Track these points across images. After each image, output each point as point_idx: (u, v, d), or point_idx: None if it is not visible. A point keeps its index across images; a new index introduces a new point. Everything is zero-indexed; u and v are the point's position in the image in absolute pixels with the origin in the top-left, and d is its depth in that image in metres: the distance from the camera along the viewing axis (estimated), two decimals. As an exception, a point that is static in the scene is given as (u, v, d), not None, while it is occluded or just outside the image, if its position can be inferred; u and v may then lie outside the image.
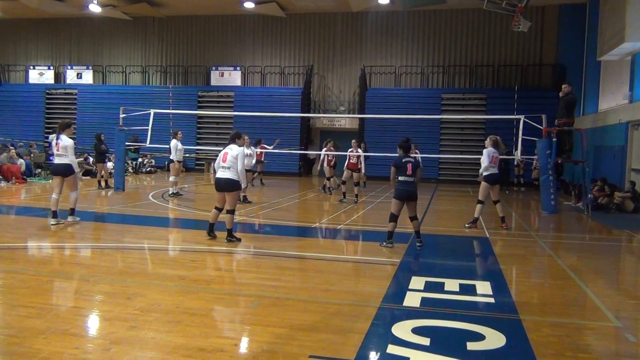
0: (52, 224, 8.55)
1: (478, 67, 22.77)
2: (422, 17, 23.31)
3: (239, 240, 7.60)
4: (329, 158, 14.78)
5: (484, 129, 21.50)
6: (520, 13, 15.79)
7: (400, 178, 7.44)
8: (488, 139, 9.69)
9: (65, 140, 8.58)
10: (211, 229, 7.72)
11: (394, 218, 7.48)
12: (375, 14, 23.27)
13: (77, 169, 8.89)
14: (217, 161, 7.67)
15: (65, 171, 8.62)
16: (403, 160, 7.44)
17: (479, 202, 9.57)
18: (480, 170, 9.50)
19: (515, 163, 18.47)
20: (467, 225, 9.59)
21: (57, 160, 8.68)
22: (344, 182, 13.67)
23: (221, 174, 7.53)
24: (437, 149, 21.25)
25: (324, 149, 14.94)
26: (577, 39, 19.82)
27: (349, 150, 13.57)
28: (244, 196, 12.40)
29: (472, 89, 22.73)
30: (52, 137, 21.34)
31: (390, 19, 23.44)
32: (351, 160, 13.38)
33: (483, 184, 9.54)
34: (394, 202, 7.49)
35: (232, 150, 7.55)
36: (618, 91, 15.65)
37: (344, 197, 13.40)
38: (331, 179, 15.26)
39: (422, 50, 23.50)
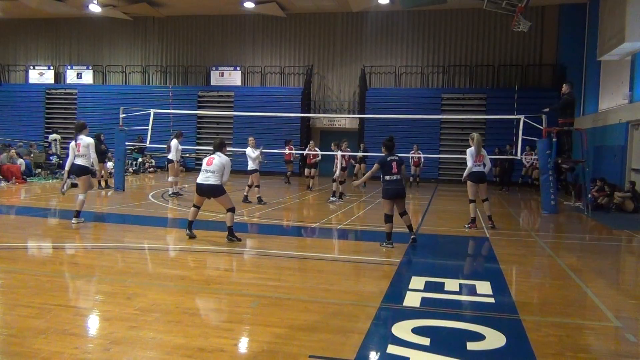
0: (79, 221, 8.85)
1: (478, 67, 22.77)
2: (422, 17, 23.31)
3: (239, 240, 7.60)
4: (346, 159, 14.47)
5: (484, 129, 21.50)
6: (520, 13, 15.78)
7: (386, 177, 7.51)
8: (470, 138, 9.62)
9: (86, 139, 8.81)
10: (190, 227, 7.68)
11: (389, 218, 7.53)
12: (375, 14, 23.26)
13: (96, 167, 9.10)
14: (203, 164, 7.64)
15: (78, 172, 8.83)
16: (388, 159, 7.50)
17: (471, 201, 9.58)
18: (474, 170, 9.35)
19: (529, 164, 18.52)
20: (466, 226, 9.58)
21: (76, 161, 8.84)
22: (341, 182, 13.77)
23: (204, 179, 7.48)
24: (437, 149, 21.26)
25: (339, 150, 14.32)
26: (577, 39, 19.81)
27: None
28: (259, 197, 12.37)
29: (472, 89, 22.73)
30: (53, 137, 21.50)
31: (390, 19, 23.43)
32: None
33: (468, 183, 9.52)
34: (385, 202, 7.56)
35: (220, 157, 7.53)
36: (618, 91, 15.64)
37: (340, 196, 13.53)
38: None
39: (422, 50, 23.50)
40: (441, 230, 9.52)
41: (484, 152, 9.47)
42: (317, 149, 16.33)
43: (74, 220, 8.74)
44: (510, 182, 18.70)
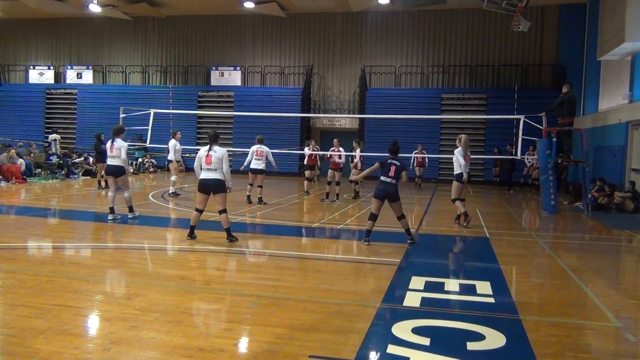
0: (110, 219, 9.34)
1: (478, 67, 22.76)
2: (422, 17, 23.31)
3: (237, 239, 7.60)
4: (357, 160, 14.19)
5: (484, 129, 21.52)
6: (520, 13, 15.78)
7: (381, 178, 7.69)
8: (457, 139, 9.74)
9: (120, 142, 9.37)
10: (192, 231, 7.71)
11: (372, 217, 7.72)
12: (375, 14, 23.26)
13: (127, 169, 9.62)
14: (197, 163, 7.64)
15: (117, 172, 9.39)
16: (388, 161, 7.69)
17: (455, 200, 9.68)
18: (461, 170, 9.46)
19: (530, 164, 18.46)
20: (465, 225, 9.63)
21: (109, 162, 9.43)
22: (329, 183, 13.62)
23: (207, 175, 7.53)
24: (437, 149, 21.25)
25: (358, 150, 14.17)
26: (577, 39, 19.82)
27: (331, 149, 13.57)
28: (260, 198, 12.30)
29: (472, 89, 22.72)
30: (52, 137, 21.47)
31: (390, 19, 23.43)
32: (334, 160, 13.42)
33: (455, 183, 9.63)
34: (373, 201, 7.75)
35: (216, 152, 7.56)
36: (618, 91, 15.64)
37: (327, 197, 13.48)
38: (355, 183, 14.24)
39: (422, 50, 23.50)
40: (441, 230, 9.52)
41: (468, 152, 9.65)
42: (317, 147, 15.17)
43: (129, 215, 9.47)
44: (512, 182, 18.57)
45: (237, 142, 22.58)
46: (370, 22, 23.56)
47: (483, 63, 22.77)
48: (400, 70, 23.52)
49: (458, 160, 9.48)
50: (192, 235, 7.68)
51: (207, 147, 7.63)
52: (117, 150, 9.30)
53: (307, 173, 15.43)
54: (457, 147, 9.55)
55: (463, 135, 9.68)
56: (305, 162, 15.32)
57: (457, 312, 4.68)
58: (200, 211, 7.67)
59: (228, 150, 7.87)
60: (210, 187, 7.55)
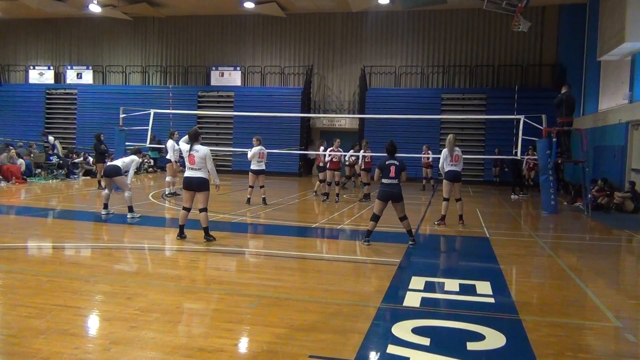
0: (103, 214, 9.77)
1: (478, 67, 22.76)
2: (422, 17, 23.30)
3: (214, 239, 7.58)
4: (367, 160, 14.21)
5: (484, 129, 21.53)
6: (520, 13, 15.77)
7: (383, 180, 7.73)
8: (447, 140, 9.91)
9: (133, 157, 9.93)
10: (182, 231, 7.71)
11: (374, 217, 7.76)
12: (375, 14, 23.26)
13: (123, 172, 9.75)
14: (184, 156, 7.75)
15: (113, 172, 9.61)
16: (387, 163, 7.73)
17: (444, 199, 9.77)
18: (448, 168, 9.67)
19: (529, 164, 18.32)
20: (436, 223, 9.82)
21: (115, 163, 9.83)
22: (329, 184, 13.58)
23: (191, 173, 7.55)
24: (437, 149, 21.20)
25: (362, 151, 14.16)
26: (577, 39, 19.81)
27: (329, 149, 13.48)
28: (263, 198, 12.24)
29: (472, 89, 22.72)
30: (52, 139, 21.45)
31: (390, 19, 23.43)
32: (333, 160, 13.32)
33: (444, 182, 9.76)
34: (377, 202, 7.78)
35: (198, 152, 7.55)
36: (618, 91, 15.63)
37: (327, 197, 13.47)
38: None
39: (422, 50, 23.50)
40: (441, 230, 9.52)
41: (458, 151, 9.70)
42: (340, 149, 13.67)
43: (128, 215, 9.44)
44: (522, 184, 17.35)
45: (237, 142, 22.56)
46: (370, 22, 23.56)
47: (483, 63, 22.76)
48: (400, 70, 23.52)
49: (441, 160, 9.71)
50: (181, 235, 7.68)
51: (189, 146, 7.62)
52: (129, 160, 9.76)
53: (336, 176, 13.59)
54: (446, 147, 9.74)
55: (449, 136, 9.87)
56: (327, 166, 13.49)
57: (457, 312, 4.67)
58: (187, 209, 7.66)
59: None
60: (193, 185, 7.55)
